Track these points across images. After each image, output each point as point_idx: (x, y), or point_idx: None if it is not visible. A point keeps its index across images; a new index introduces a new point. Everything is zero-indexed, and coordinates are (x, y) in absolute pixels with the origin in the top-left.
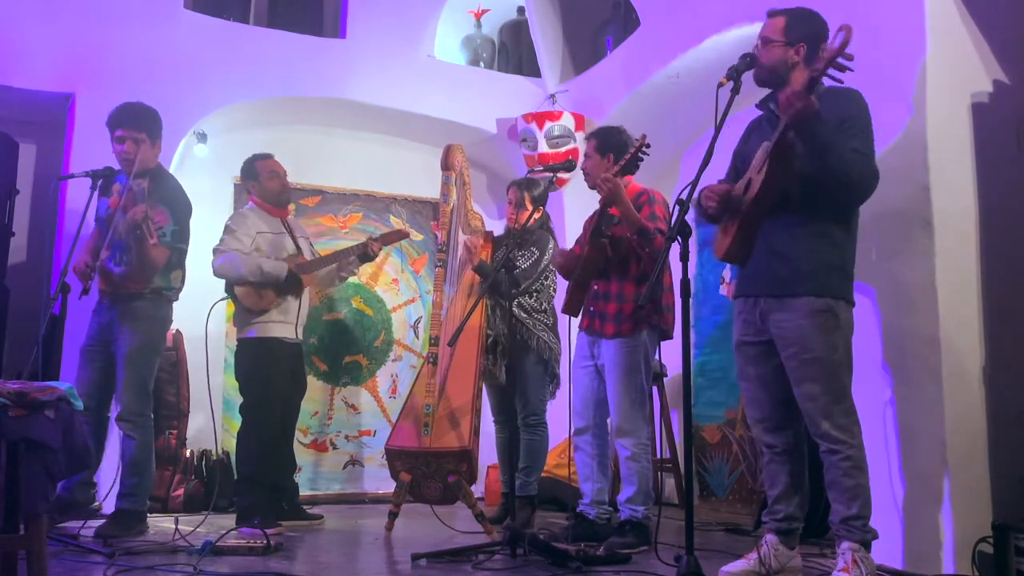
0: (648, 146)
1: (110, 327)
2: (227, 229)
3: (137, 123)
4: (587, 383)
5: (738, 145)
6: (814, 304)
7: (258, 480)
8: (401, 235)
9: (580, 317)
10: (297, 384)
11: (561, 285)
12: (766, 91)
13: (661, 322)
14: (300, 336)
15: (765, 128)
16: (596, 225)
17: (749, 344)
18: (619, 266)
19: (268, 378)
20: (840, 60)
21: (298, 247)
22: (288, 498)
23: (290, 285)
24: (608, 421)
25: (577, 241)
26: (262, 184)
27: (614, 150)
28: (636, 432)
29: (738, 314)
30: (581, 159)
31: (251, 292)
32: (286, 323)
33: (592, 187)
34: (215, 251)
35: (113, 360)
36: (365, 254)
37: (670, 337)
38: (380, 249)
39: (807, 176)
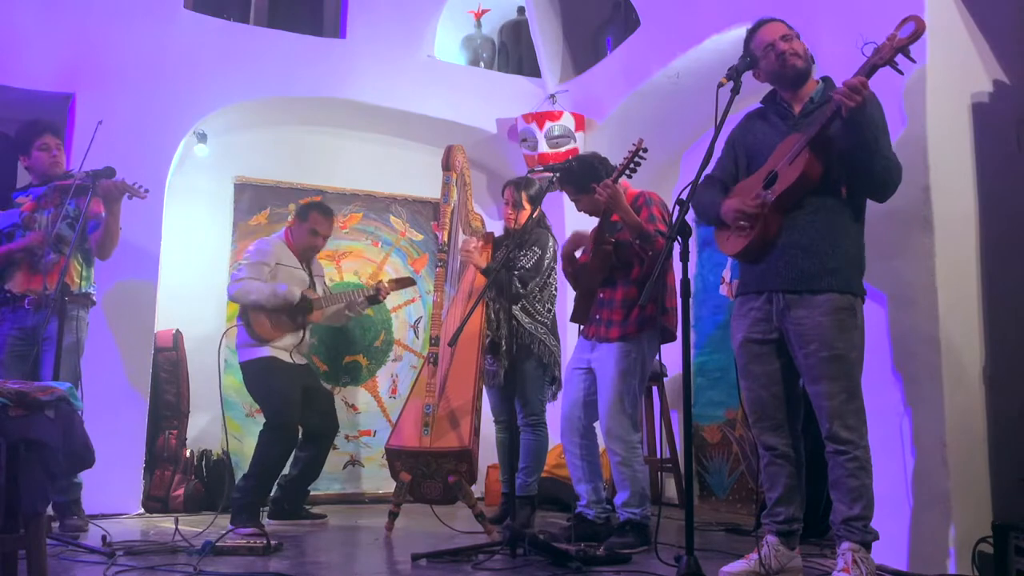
0: (645, 150)
1: (37, 331)
2: (249, 254)
3: (59, 132)
4: (578, 384)
5: (735, 134)
6: (837, 301)
7: (264, 482)
8: (410, 282)
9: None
10: (315, 394)
11: (566, 290)
12: (764, 91)
13: (665, 322)
14: (295, 360)
15: (774, 120)
16: (599, 232)
17: (756, 342)
18: (623, 271)
19: (280, 388)
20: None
21: (312, 284)
22: (290, 498)
23: (301, 309)
24: (596, 424)
25: (584, 251)
26: (302, 231)
27: (590, 179)
28: (624, 436)
29: (747, 311)
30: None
31: (264, 321)
32: (281, 349)
33: (593, 213)
34: (234, 277)
35: (31, 366)
36: (375, 297)
37: (673, 339)
38: (388, 294)
39: (851, 168)
